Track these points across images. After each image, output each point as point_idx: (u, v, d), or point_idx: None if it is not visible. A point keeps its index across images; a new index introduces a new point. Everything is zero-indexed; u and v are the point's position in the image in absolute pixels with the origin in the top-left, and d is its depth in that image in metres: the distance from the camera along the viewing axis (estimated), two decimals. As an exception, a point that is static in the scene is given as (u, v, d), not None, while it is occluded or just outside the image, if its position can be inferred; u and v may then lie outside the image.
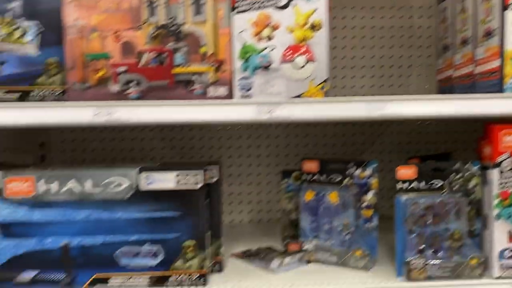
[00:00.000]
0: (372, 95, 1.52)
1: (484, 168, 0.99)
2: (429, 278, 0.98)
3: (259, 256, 1.14)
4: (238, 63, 0.93)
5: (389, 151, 1.55)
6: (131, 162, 1.51)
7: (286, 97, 0.93)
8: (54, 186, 0.95)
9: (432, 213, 1.00)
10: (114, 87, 0.91)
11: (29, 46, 0.90)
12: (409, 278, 0.98)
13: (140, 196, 0.96)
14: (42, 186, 0.95)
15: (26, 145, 1.45)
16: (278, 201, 1.54)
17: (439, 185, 1.01)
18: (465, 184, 1.00)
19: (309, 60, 0.92)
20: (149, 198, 0.96)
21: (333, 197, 1.09)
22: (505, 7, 0.92)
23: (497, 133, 0.95)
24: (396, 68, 1.53)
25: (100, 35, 0.90)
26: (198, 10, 0.92)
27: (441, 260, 0.98)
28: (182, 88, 0.92)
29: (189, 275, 0.97)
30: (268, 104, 0.90)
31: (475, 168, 1.00)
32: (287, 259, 1.09)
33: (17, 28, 0.89)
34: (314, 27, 0.92)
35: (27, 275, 0.96)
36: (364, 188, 1.06)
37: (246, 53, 0.92)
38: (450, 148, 1.52)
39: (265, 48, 0.92)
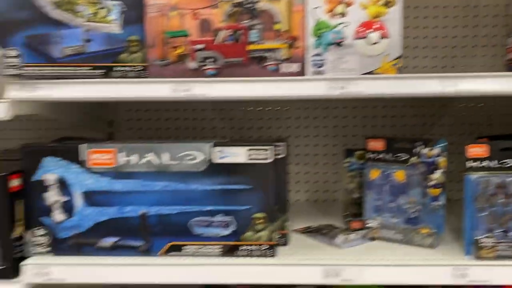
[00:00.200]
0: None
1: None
2: (499, 257, 0.97)
3: (321, 232, 1.16)
4: (311, 40, 0.94)
5: (452, 133, 1.52)
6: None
7: (359, 73, 0.94)
8: (134, 158, 1.01)
9: (504, 192, 0.99)
10: (192, 64, 0.95)
11: (113, 25, 0.95)
12: (478, 257, 0.97)
13: (213, 169, 1.00)
14: (123, 158, 1.01)
15: (96, 123, 1.53)
16: (334, 182, 1.55)
17: (510, 164, 0.99)
18: (539, 163, 0.98)
19: (383, 36, 0.92)
20: (222, 171, 1.00)
21: (399, 175, 1.09)
22: None
23: None
24: (460, 48, 1.50)
25: (179, 13, 0.94)
26: (271, -12, 0.94)
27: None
28: (255, 64, 0.95)
29: (259, 246, 1.01)
30: (341, 80, 0.91)
31: (551, 148, 0.97)
32: (352, 236, 1.11)
33: (102, 7, 0.94)
34: (387, 3, 0.92)
35: (108, 241, 1.03)
36: (431, 166, 1.05)
37: (320, 30, 0.93)
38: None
39: (339, 25, 0.93)
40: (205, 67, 0.95)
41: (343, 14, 0.93)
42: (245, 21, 0.94)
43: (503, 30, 1.47)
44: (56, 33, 0.95)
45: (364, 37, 0.93)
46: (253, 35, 0.94)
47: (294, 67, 0.94)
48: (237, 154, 0.99)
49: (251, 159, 0.99)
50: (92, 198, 1.02)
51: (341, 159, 1.28)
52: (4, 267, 1.01)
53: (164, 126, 1.57)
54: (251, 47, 0.94)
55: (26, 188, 1.03)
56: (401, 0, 0.93)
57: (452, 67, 1.50)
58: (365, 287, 1.05)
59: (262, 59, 0.95)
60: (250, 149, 0.98)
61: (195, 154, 1.00)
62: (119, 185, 1.02)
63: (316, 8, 0.93)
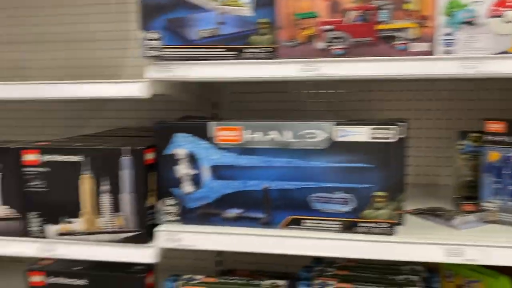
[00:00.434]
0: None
1: None
2: None
3: (435, 214, 1.16)
4: (442, 19, 0.94)
5: None
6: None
7: (491, 52, 0.93)
8: (258, 135, 1.07)
9: None
10: (320, 44, 0.98)
11: (245, 8, 1.00)
12: None
13: (334, 147, 1.03)
14: (248, 135, 1.07)
15: (202, 104, 1.62)
16: (442, 165, 1.52)
17: None
18: None
19: (519, 14, 0.90)
20: (344, 150, 1.03)
21: (522, 158, 1.07)
22: None
23: None
24: None
25: (309, -5, 0.97)
26: (400, -32, 0.95)
27: None
28: (384, 44, 0.96)
29: (378, 224, 1.03)
30: (474, 59, 0.91)
31: None
32: (469, 217, 1.10)
33: (235, -9, 1.00)
34: (525, -20, 0.90)
35: (233, 212, 1.10)
36: (560, 149, 1.02)
37: (452, 9, 0.92)
38: None
39: (472, 3, 0.92)
40: (333, 47, 0.98)
41: (477, -8, 0.92)
42: (375, 1, 0.95)
43: None
44: (193, 16, 1.01)
45: (499, 16, 0.91)
46: (383, 15, 0.95)
47: (424, 46, 0.95)
48: (360, 133, 1.02)
49: (374, 138, 1.01)
50: (219, 172, 1.09)
51: (452, 142, 1.27)
52: (140, 232, 1.11)
53: (264, 107, 1.62)
54: (380, 26, 0.96)
55: (159, 162, 1.12)
56: (540, -24, 0.90)
57: None
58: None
59: (390, 39, 0.96)
60: (374, 128, 1.00)
61: (317, 133, 1.04)
62: (244, 160, 1.08)
63: (449, -14, 0.92)
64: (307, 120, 1.06)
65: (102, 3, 1.66)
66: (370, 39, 0.96)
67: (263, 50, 1.01)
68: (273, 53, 1.01)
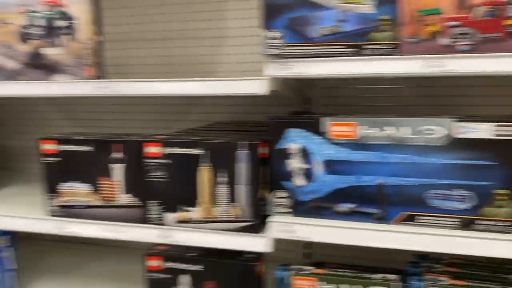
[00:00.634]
0: None
1: None
2: None
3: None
4: None
5: None
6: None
7: None
8: (373, 131, 1.08)
9: None
10: (444, 40, 0.98)
11: (367, 5, 1.01)
12: None
13: (454, 144, 1.02)
14: (363, 130, 1.09)
15: (293, 100, 1.65)
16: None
17: None
18: None
19: None
20: (464, 146, 1.02)
21: None
22: None
23: None
24: None
25: (435, -9, 0.96)
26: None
27: None
28: (513, 39, 0.94)
29: (497, 222, 1.02)
30: None
31: None
32: None
33: (356, -11, 1.01)
34: None
35: (345, 206, 1.12)
36: None
37: None
38: None
39: None
40: (458, 43, 0.97)
41: None
42: (505, -4, 0.93)
43: None
44: (315, 15, 1.04)
45: None
46: (513, 9, 0.93)
47: (558, 41, 0.92)
48: (482, 130, 1.00)
49: (497, 135, 0.99)
50: (332, 166, 1.12)
51: None
52: (254, 222, 1.16)
53: (355, 102, 1.62)
54: (510, 22, 0.94)
55: (271, 155, 1.16)
56: None
57: None
58: None
59: (521, 34, 0.93)
60: (498, 125, 0.99)
61: (436, 129, 1.04)
62: (358, 155, 1.10)
63: None
64: (426, 116, 1.06)
65: (197, 2, 1.73)
66: (499, 34, 0.94)
67: (383, 46, 1.02)
68: (393, 49, 1.01)
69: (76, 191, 1.29)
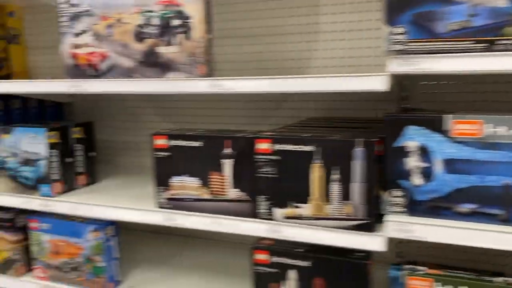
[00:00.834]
0: None
1: None
2: None
3: None
4: None
5: None
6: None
7: None
8: (501, 130, 1.04)
9: None
10: None
11: (501, -1, 0.98)
12: None
13: None
14: (490, 129, 1.05)
15: (391, 97, 1.62)
16: None
17: None
18: None
19: None
20: None
21: None
22: None
23: None
24: None
25: None
26: None
27: None
28: None
29: None
30: None
31: None
32: None
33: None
34: None
35: (467, 207, 1.09)
36: None
37: None
38: None
39: None
40: None
41: None
42: None
43: None
44: (443, 10, 1.01)
45: None
46: None
47: None
48: None
49: None
50: (453, 165, 1.09)
51: None
52: (368, 221, 1.15)
53: (456, 99, 1.57)
54: None
55: (387, 153, 1.15)
56: None
57: None
58: None
59: None
60: None
61: None
62: (482, 155, 1.06)
63: None
64: (560, 115, 1.01)
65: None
66: None
67: (518, 42, 0.98)
68: (531, 45, 0.97)
69: (186, 184, 1.33)
